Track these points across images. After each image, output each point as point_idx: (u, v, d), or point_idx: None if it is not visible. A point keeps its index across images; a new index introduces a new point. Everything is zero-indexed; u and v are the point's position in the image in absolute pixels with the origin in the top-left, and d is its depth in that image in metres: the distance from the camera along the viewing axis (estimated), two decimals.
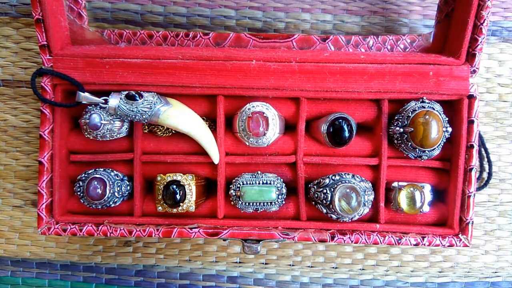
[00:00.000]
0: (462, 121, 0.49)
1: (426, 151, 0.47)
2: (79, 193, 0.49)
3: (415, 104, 0.48)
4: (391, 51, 0.53)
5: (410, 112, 0.47)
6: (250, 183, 0.48)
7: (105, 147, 0.51)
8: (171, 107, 0.48)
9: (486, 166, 0.58)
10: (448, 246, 0.49)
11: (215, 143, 0.49)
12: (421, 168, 0.51)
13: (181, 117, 0.48)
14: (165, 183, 0.48)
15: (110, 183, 0.49)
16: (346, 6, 0.60)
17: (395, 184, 0.49)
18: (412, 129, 0.46)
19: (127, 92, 0.47)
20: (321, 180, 0.49)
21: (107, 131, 0.48)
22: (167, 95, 0.49)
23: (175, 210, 0.48)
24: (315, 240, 0.48)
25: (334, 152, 0.51)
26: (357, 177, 0.49)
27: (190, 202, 0.48)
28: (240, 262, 0.60)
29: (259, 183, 0.48)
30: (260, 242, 0.49)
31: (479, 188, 0.58)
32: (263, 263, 0.60)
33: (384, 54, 0.50)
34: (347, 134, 0.47)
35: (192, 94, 0.50)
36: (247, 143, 0.49)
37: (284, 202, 0.50)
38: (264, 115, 0.48)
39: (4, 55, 0.59)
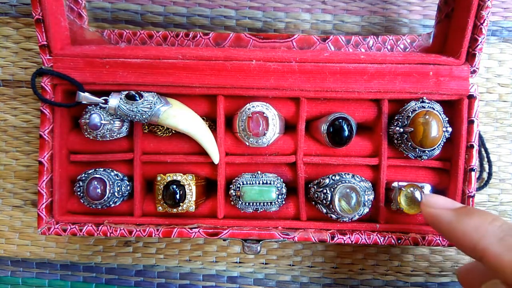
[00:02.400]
0: (462, 121, 0.49)
1: (426, 151, 0.47)
2: (79, 193, 0.49)
3: (415, 104, 0.48)
4: (391, 51, 0.53)
5: (410, 112, 0.47)
6: (250, 183, 0.48)
7: (105, 147, 0.51)
8: (171, 107, 0.48)
9: (486, 166, 0.58)
10: (448, 246, 0.49)
11: (215, 143, 0.49)
12: (421, 168, 0.51)
13: (181, 117, 0.48)
14: (165, 183, 0.48)
15: (110, 183, 0.49)
16: (346, 6, 0.59)
17: (395, 184, 0.49)
18: (412, 129, 0.46)
19: (127, 92, 0.47)
20: (321, 180, 0.49)
21: (107, 131, 0.48)
22: (167, 95, 0.49)
23: (175, 210, 0.48)
24: (315, 240, 0.48)
25: (334, 152, 0.51)
26: (357, 177, 0.49)
27: (190, 202, 0.48)
28: (240, 262, 0.60)
29: (259, 183, 0.48)
30: (260, 242, 0.49)
31: (479, 188, 0.58)
32: (263, 263, 0.60)
33: (384, 54, 0.50)
34: (347, 134, 0.47)
35: (192, 94, 0.50)
36: (247, 143, 0.49)
37: (284, 202, 0.50)
38: (264, 115, 0.48)
39: (4, 55, 0.59)
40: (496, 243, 0.36)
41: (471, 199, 0.49)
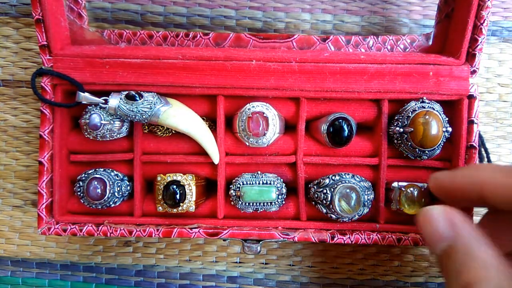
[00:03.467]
0: (462, 121, 0.49)
1: (426, 151, 0.47)
2: (79, 193, 0.49)
3: (415, 104, 0.48)
4: (391, 51, 0.53)
5: (410, 112, 0.47)
6: (250, 183, 0.48)
7: (105, 147, 0.51)
8: (171, 107, 0.48)
9: None
10: None
11: (215, 143, 0.50)
12: (421, 168, 0.51)
13: (181, 117, 0.48)
14: (165, 183, 0.48)
15: (110, 183, 0.49)
16: (346, 6, 0.59)
17: (395, 184, 0.49)
18: (412, 129, 0.46)
19: (127, 92, 0.47)
20: (321, 180, 0.49)
21: (107, 131, 0.48)
22: (167, 95, 0.49)
23: (175, 210, 0.48)
24: (315, 240, 0.48)
25: (334, 152, 0.51)
26: (357, 177, 0.49)
27: (190, 202, 0.48)
28: (240, 262, 0.60)
29: (259, 183, 0.48)
30: (260, 242, 0.49)
31: None
32: (263, 263, 0.60)
33: (384, 54, 0.50)
34: (347, 134, 0.47)
35: (192, 94, 0.50)
36: (247, 143, 0.49)
37: (284, 202, 0.50)
38: (264, 115, 0.48)
39: (4, 55, 0.59)
40: (492, 172, 0.39)
41: None
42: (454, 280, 0.36)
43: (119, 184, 0.50)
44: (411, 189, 0.48)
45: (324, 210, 0.48)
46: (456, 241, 0.38)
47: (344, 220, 0.48)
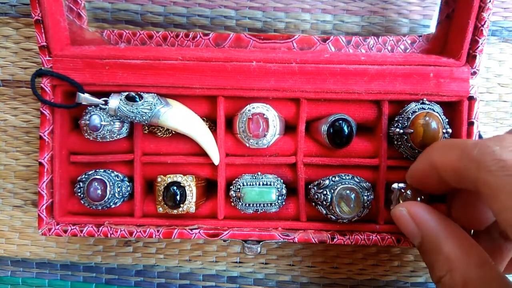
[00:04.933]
0: (462, 123, 0.49)
1: None
2: (79, 194, 0.49)
3: (415, 105, 0.48)
4: (391, 52, 0.53)
5: (410, 114, 0.47)
6: (250, 184, 0.48)
7: (105, 148, 0.51)
8: (171, 108, 0.48)
9: None
10: None
11: (215, 144, 0.50)
12: None
13: (181, 118, 0.48)
14: (165, 184, 0.48)
15: (111, 184, 0.49)
16: (346, 6, 0.59)
17: (394, 185, 0.49)
18: (412, 130, 0.46)
19: (127, 93, 0.47)
20: (321, 181, 0.49)
21: (107, 132, 0.48)
22: (167, 96, 0.49)
23: (175, 211, 0.48)
24: (315, 241, 0.48)
25: (334, 153, 0.51)
26: (357, 178, 0.49)
27: (190, 203, 0.48)
28: (240, 262, 0.60)
29: (259, 184, 0.48)
30: (260, 243, 0.49)
31: None
32: (263, 263, 0.60)
33: (385, 55, 0.50)
34: (347, 135, 0.47)
35: (192, 95, 0.50)
36: (247, 144, 0.49)
37: (284, 203, 0.50)
38: (264, 116, 0.48)
39: (4, 55, 0.59)
40: (441, 152, 0.40)
41: None
42: (432, 273, 0.38)
43: (119, 185, 0.50)
44: (410, 190, 0.48)
45: (324, 211, 0.48)
46: (423, 238, 0.40)
47: (344, 221, 0.48)
